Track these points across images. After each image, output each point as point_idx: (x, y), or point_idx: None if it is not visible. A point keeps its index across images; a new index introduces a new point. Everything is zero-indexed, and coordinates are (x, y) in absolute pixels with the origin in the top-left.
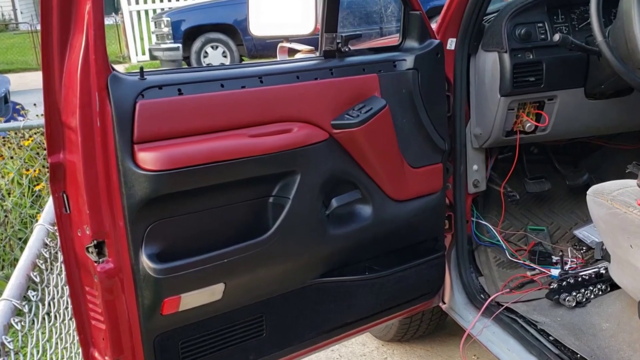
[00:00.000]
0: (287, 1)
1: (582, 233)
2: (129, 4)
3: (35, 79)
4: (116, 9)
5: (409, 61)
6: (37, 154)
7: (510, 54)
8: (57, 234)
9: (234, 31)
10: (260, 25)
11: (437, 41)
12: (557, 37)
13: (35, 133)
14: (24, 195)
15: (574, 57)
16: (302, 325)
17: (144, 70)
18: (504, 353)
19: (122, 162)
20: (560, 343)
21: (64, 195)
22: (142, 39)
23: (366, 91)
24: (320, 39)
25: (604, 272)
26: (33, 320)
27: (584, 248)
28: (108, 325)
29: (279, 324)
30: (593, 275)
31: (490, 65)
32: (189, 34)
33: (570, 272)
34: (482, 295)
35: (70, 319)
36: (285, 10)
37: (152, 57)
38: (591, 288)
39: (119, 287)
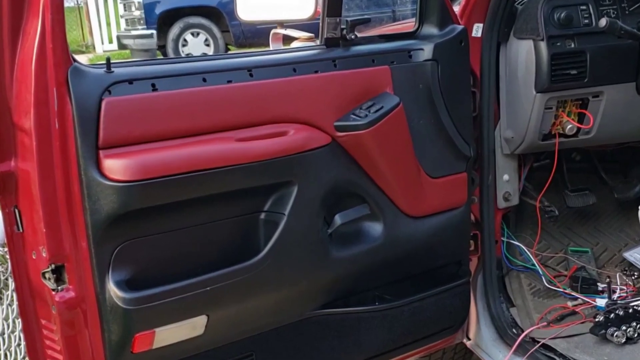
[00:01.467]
0: None
1: (633, 256)
2: None
3: None
4: None
5: (427, 51)
6: None
7: (548, 42)
8: (7, 256)
9: (219, 15)
10: (249, 8)
11: (460, 27)
12: (603, 22)
13: None
14: None
15: (624, 46)
16: None
17: (111, 61)
18: None
19: (85, 171)
20: None
21: (16, 211)
22: (108, 24)
23: (376, 87)
24: (321, 24)
25: None
26: None
27: (635, 274)
28: None
29: None
30: None
31: (523, 55)
32: (164, 19)
33: (619, 302)
34: (514, 330)
35: (24, 358)
36: None
37: (121, 46)
38: None
39: (82, 320)
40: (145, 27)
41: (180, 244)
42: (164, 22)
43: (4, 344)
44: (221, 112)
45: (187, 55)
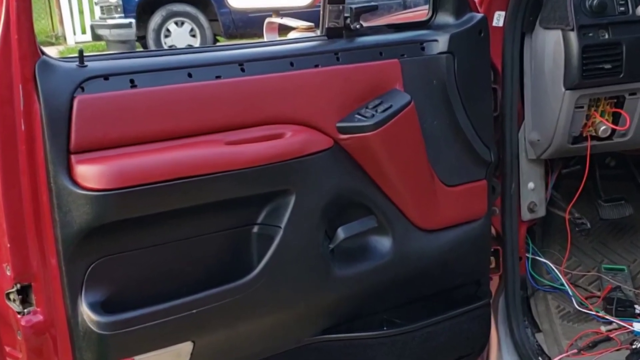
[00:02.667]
0: None
1: None
2: None
3: None
4: None
5: (441, 42)
6: None
7: (579, 33)
8: None
9: (206, 2)
10: None
11: (479, 15)
12: None
13: None
14: None
15: None
16: None
17: (85, 54)
18: None
19: (55, 179)
20: None
21: None
22: (81, 12)
23: (384, 83)
24: (322, 12)
25: None
26: None
27: None
28: None
29: None
30: None
31: (551, 47)
32: (144, 6)
33: None
34: (540, 358)
35: None
36: None
37: (96, 37)
38: None
39: (51, 347)
40: (122, 15)
41: (163, 261)
42: (144, 9)
43: None
44: (209, 111)
45: (171, 47)
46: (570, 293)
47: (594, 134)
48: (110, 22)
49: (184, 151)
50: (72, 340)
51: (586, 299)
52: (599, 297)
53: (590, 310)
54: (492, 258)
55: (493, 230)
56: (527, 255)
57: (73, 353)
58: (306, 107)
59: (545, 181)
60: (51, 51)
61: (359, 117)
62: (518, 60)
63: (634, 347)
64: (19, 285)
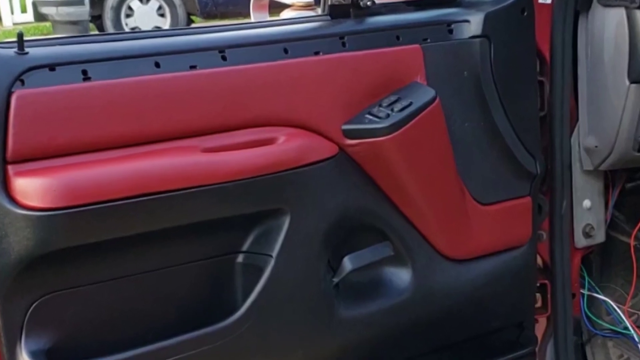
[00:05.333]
0: None
1: None
2: None
3: None
4: None
5: (474, 23)
6: None
7: None
8: None
9: None
10: None
11: None
12: None
13: None
14: None
15: None
16: None
17: (25, 38)
18: None
19: None
20: None
21: None
22: None
23: (402, 74)
24: None
25: None
26: None
27: None
28: None
29: None
30: None
31: (612, 30)
32: None
33: None
34: None
35: None
36: None
37: (39, 17)
38: None
39: None
40: None
41: (124, 298)
42: None
43: None
44: (181, 110)
45: (133, 29)
46: (637, 339)
47: None
48: None
49: (151, 160)
50: None
51: None
52: None
53: None
54: (538, 295)
55: (539, 260)
56: (581, 291)
57: None
58: (304, 105)
59: (605, 198)
60: None
61: (371, 117)
62: (570, 46)
63: None
64: None
